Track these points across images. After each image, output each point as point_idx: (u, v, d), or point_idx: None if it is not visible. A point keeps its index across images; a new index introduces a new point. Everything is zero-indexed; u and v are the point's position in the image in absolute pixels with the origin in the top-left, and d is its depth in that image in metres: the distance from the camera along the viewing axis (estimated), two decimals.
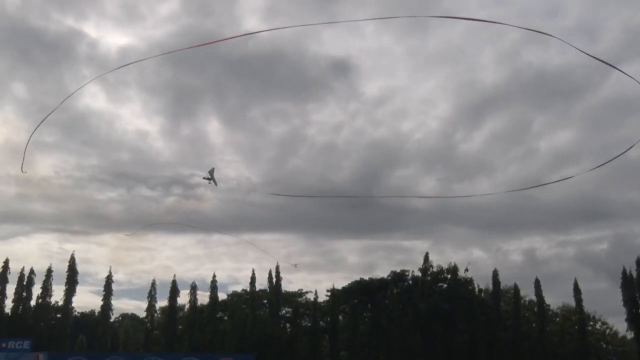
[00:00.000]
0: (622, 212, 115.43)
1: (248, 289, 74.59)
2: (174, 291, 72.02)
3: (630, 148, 21.06)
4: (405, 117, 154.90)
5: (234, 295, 79.30)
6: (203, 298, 73.67)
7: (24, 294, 68.30)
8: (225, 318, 76.13)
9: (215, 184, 36.07)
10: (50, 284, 69.77)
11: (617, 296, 68.70)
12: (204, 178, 36.15)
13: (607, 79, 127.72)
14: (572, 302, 72.38)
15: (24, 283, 68.53)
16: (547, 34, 16.44)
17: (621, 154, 19.83)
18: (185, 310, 75.49)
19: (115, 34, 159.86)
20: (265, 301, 75.01)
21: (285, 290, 76.01)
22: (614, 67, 18.60)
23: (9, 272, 68.53)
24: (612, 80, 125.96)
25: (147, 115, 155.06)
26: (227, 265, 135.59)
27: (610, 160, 20.71)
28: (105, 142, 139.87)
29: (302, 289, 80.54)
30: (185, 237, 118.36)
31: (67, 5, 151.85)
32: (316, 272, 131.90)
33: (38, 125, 21.10)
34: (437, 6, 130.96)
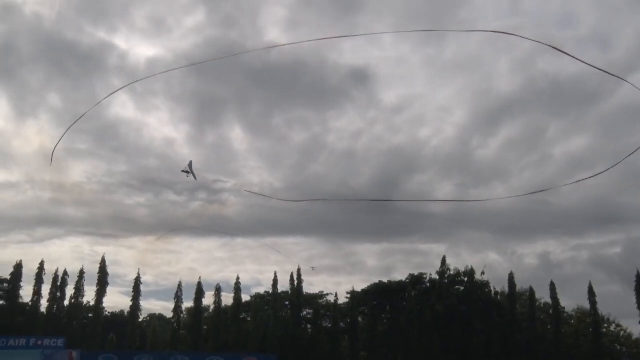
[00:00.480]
0: (636, 216, 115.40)
1: (270, 291, 76.09)
2: (200, 292, 73.37)
3: (637, 149, 22.89)
4: (423, 124, 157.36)
5: (257, 297, 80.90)
6: (227, 299, 75.10)
7: (58, 294, 70.03)
8: (249, 319, 77.52)
9: (195, 178, 35.47)
10: (83, 285, 71.35)
11: (631, 299, 69.45)
12: (182, 171, 35.28)
13: (620, 86, 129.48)
14: (587, 305, 73.06)
15: (58, 284, 70.20)
16: (557, 49, 18.73)
17: (629, 155, 21.68)
18: (210, 311, 76.99)
19: (144, 46, 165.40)
20: (287, 303, 76.22)
21: (307, 292, 77.25)
22: (620, 78, 20.66)
23: (44, 273, 70.21)
24: (625, 88, 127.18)
25: (174, 123, 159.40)
26: (251, 268, 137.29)
27: (618, 162, 22.59)
28: (134, 149, 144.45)
29: (322, 291, 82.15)
30: (210, 241, 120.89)
31: (99, 19, 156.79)
32: (336, 274, 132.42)
33: (68, 129, 23.33)
34: (454, 16, 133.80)
